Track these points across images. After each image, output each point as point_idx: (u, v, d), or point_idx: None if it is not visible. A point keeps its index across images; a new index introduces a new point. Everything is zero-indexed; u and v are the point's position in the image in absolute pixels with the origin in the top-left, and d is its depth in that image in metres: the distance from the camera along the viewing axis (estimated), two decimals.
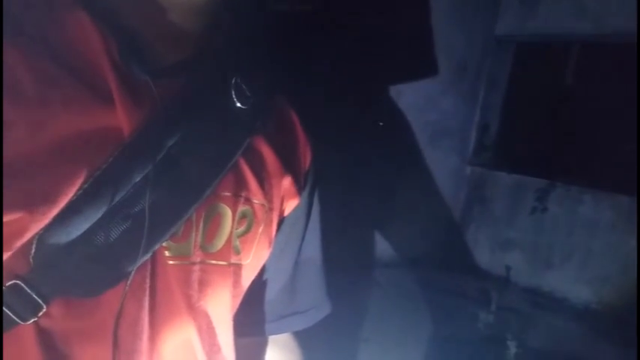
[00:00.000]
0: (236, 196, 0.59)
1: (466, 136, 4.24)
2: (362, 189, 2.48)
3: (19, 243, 0.48)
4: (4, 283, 0.49)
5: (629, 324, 3.19)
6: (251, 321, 0.70)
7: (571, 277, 3.50)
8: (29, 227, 0.47)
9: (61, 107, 0.48)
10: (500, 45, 4.18)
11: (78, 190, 0.49)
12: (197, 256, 0.56)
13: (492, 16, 3.95)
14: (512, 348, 2.61)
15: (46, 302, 0.50)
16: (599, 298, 3.39)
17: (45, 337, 0.50)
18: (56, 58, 0.50)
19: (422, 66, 3.55)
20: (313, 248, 0.72)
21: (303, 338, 0.75)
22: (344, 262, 1.32)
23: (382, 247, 3.14)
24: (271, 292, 0.71)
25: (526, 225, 3.81)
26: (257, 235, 0.61)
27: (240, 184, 0.59)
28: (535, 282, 3.62)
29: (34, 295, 0.49)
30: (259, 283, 0.68)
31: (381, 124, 3.13)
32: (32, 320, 0.50)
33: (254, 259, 0.63)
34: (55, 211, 0.48)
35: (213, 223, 0.57)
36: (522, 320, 2.90)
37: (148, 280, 0.53)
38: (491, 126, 4.17)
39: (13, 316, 0.49)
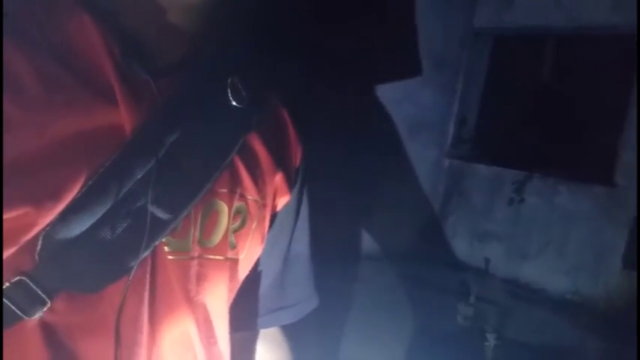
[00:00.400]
0: (232, 192, 0.60)
1: (444, 129, 4.26)
2: (346, 185, 2.47)
3: (25, 239, 0.49)
4: (9, 280, 0.50)
5: (606, 314, 3.25)
6: (242, 315, 0.71)
7: (548, 267, 3.55)
8: (35, 223, 0.48)
9: (64, 107, 0.49)
10: (477, 38, 4.21)
11: (82, 186, 0.50)
12: (195, 251, 0.57)
13: (470, 9, 3.97)
14: (492, 340, 2.64)
15: (51, 298, 0.50)
16: (576, 288, 3.45)
17: (48, 332, 0.51)
18: (59, 59, 0.51)
19: (404, 62, 3.55)
20: (302, 244, 0.73)
21: (291, 331, 0.77)
22: (330, 256, 1.33)
23: (365, 240, 3.14)
24: (262, 287, 0.72)
25: (504, 216, 3.85)
26: (251, 231, 0.63)
27: (236, 181, 0.60)
28: (513, 273, 3.66)
29: (39, 291, 0.50)
30: (251, 278, 0.69)
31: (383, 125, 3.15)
32: (36, 315, 0.50)
33: (248, 253, 0.64)
34: (60, 207, 0.49)
35: (210, 219, 0.58)
36: (501, 312, 2.93)
37: (148, 275, 0.54)
38: (469, 119, 4.20)
39: (18, 312, 0.50)
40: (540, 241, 3.65)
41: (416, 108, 3.77)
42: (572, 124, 3.52)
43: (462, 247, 3.93)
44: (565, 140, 3.55)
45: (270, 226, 0.67)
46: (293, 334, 0.77)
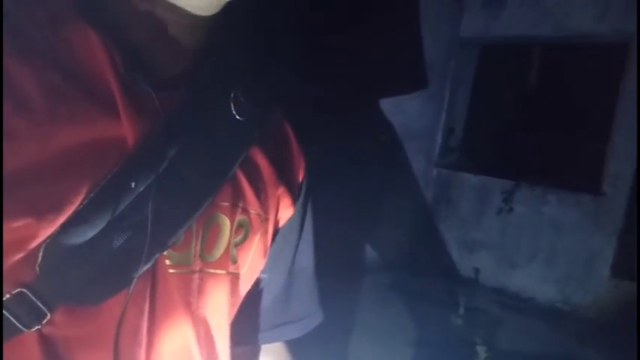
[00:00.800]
0: (234, 206, 0.59)
1: (432, 139, 4.26)
2: (339, 197, 2.46)
3: (26, 250, 0.48)
4: (9, 291, 0.50)
5: (595, 323, 3.25)
6: (245, 330, 0.71)
7: (537, 276, 3.54)
8: (36, 235, 0.48)
9: (67, 119, 0.49)
10: (464, 47, 4.22)
11: (84, 199, 0.50)
12: (196, 265, 0.57)
13: (457, 19, 3.99)
14: (482, 352, 2.62)
15: (50, 310, 0.50)
16: (565, 297, 3.44)
17: (47, 345, 0.51)
18: (62, 71, 0.51)
19: (400, 74, 3.55)
20: (306, 258, 0.73)
21: (296, 346, 0.76)
22: (331, 270, 1.32)
23: (357, 253, 3.11)
24: (265, 302, 0.72)
25: (492, 226, 3.85)
26: (253, 245, 0.63)
27: (238, 195, 0.60)
28: (502, 282, 3.65)
29: (39, 303, 0.50)
30: (254, 293, 0.69)
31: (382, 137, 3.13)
32: (36, 328, 0.50)
33: (250, 268, 0.64)
34: (61, 220, 0.49)
35: (212, 232, 0.58)
36: (491, 322, 2.91)
37: (148, 288, 0.54)
38: (457, 128, 4.20)
39: (18, 324, 0.50)
40: (529, 250, 3.64)
41: (404, 117, 3.76)
42: (560, 133, 3.54)
43: (451, 256, 3.92)
44: (553, 149, 3.57)
45: (273, 239, 0.67)
46: (299, 349, 0.75)
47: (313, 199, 0.73)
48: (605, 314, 3.27)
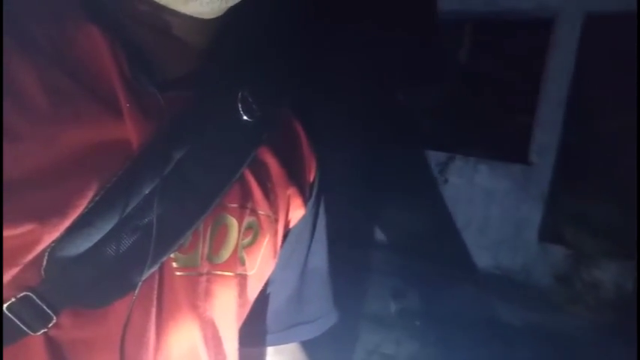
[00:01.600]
0: (242, 207, 0.59)
1: None
2: (358, 196, 2.43)
3: (30, 255, 0.48)
4: (15, 295, 0.49)
5: (524, 285, 3.47)
6: (257, 331, 0.71)
7: (472, 244, 3.72)
8: (41, 239, 0.48)
9: (71, 121, 0.48)
10: None
11: (89, 202, 0.49)
12: (204, 267, 0.57)
13: None
14: (419, 321, 2.73)
15: (56, 313, 0.50)
16: (497, 262, 3.64)
17: (53, 348, 0.51)
18: (66, 71, 0.49)
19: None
20: (320, 258, 0.73)
21: (309, 347, 0.76)
22: (345, 270, 1.31)
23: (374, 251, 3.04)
24: (278, 302, 0.72)
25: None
26: (262, 246, 0.62)
27: (247, 196, 0.60)
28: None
29: (45, 307, 0.50)
30: (266, 294, 0.69)
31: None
32: (42, 331, 0.50)
33: (259, 269, 0.63)
34: (66, 224, 0.48)
35: (219, 234, 0.58)
36: (430, 291, 3.04)
37: (155, 291, 0.54)
38: None
39: (24, 327, 0.49)
40: (464, 219, 3.80)
41: None
42: (491, 107, 3.68)
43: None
44: (484, 122, 3.71)
45: (285, 240, 0.66)
46: (313, 350, 0.76)
47: (325, 198, 0.72)
48: (534, 277, 3.49)
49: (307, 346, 0.75)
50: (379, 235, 3.71)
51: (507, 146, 3.66)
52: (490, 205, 3.72)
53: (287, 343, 0.74)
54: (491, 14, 3.52)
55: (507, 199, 3.64)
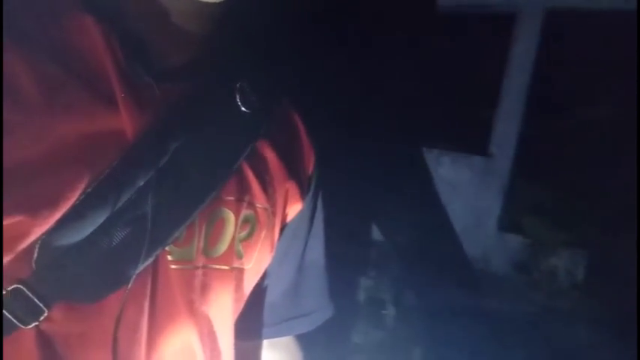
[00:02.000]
0: (239, 200, 0.59)
1: None
2: (357, 190, 2.42)
3: (21, 246, 0.47)
4: (6, 288, 0.49)
5: (483, 273, 3.57)
6: (252, 324, 0.70)
7: None
8: (31, 231, 0.47)
9: (64, 111, 0.47)
10: None
11: (81, 193, 0.48)
12: (199, 261, 0.56)
13: None
14: (391, 309, 2.77)
15: (48, 307, 0.49)
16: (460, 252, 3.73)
17: (45, 341, 0.50)
18: (60, 61, 0.48)
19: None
20: (317, 252, 0.72)
21: (304, 340, 0.76)
22: (342, 265, 1.30)
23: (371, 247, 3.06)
24: (274, 296, 0.71)
25: None
26: (260, 240, 0.62)
27: (244, 189, 0.59)
28: None
29: (36, 300, 0.49)
30: (262, 287, 0.69)
31: None
32: (33, 325, 0.49)
33: (256, 263, 0.63)
34: (57, 215, 0.47)
35: (216, 227, 0.57)
36: (398, 280, 3.08)
37: (149, 285, 0.53)
38: None
39: (15, 321, 0.49)
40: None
41: None
42: (453, 100, 3.75)
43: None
44: (447, 115, 3.77)
45: (282, 234, 0.66)
46: (307, 343, 0.75)
47: (324, 192, 0.72)
48: (493, 264, 3.59)
49: (301, 339, 0.76)
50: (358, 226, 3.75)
51: (469, 138, 3.74)
52: (452, 196, 3.80)
53: (282, 336, 0.74)
54: (456, 8, 3.58)
55: (469, 190, 3.73)
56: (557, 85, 3.14)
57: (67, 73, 0.48)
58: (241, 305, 0.64)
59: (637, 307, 1.86)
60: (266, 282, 0.69)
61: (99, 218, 0.49)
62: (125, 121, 0.50)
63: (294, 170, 0.64)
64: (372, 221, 2.84)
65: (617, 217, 2.89)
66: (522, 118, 3.45)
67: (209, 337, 0.59)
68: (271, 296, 0.70)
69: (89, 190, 0.49)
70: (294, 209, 0.66)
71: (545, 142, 3.30)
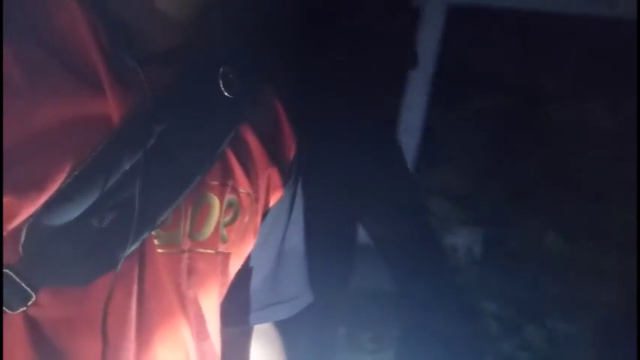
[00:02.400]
0: (223, 185, 0.60)
1: None
2: (338, 178, 2.35)
3: (6, 230, 0.48)
4: None
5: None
6: (234, 310, 0.71)
7: None
8: (17, 213, 0.47)
9: (49, 95, 0.48)
10: None
11: (67, 176, 0.49)
12: (186, 245, 0.58)
13: None
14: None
15: (35, 291, 0.50)
16: None
17: (33, 327, 0.51)
18: (44, 45, 0.49)
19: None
20: (296, 238, 0.75)
21: (284, 327, 0.78)
22: (324, 251, 1.30)
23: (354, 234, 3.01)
24: (254, 282, 0.73)
25: None
26: (243, 225, 0.63)
27: (228, 173, 0.61)
28: None
29: (24, 285, 0.49)
30: (243, 273, 0.70)
31: None
32: (21, 310, 0.50)
33: (240, 248, 0.65)
34: (43, 198, 0.48)
35: (201, 211, 0.58)
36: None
37: (136, 269, 0.54)
38: None
39: (2, 306, 0.49)
40: None
41: None
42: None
43: None
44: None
45: (263, 220, 0.68)
46: (287, 330, 0.77)
47: (304, 179, 0.74)
48: None
49: (283, 326, 0.79)
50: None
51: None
52: None
53: (262, 322, 0.77)
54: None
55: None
56: (460, 76, 3.37)
57: (51, 57, 0.49)
58: (225, 290, 0.66)
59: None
60: (248, 268, 0.71)
61: (86, 201, 0.50)
62: (111, 105, 0.51)
63: (275, 157, 0.66)
64: (353, 212, 2.90)
65: (510, 196, 3.17)
66: (426, 107, 3.67)
67: (196, 320, 0.61)
68: (253, 282, 0.73)
69: (76, 172, 0.49)
70: (276, 195, 0.68)
71: (448, 129, 3.54)
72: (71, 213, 0.49)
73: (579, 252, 2.46)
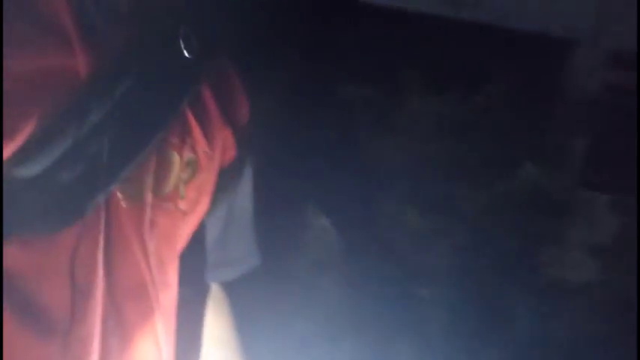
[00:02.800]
0: (183, 142, 0.61)
1: None
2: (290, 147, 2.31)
3: None
4: None
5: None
6: (188, 269, 0.71)
7: None
8: None
9: (16, 48, 0.49)
10: None
11: (35, 127, 0.49)
12: (148, 199, 0.58)
13: None
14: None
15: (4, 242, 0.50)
16: None
17: (2, 277, 0.51)
18: (12, 1, 0.50)
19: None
20: (245, 202, 0.75)
21: (231, 289, 0.77)
22: (274, 214, 1.37)
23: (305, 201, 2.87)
24: (207, 242, 0.73)
25: None
26: (200, 183, 0.64)
27: (187, 132, 0.61)
28: None
29: None
30: (197, 233, 0.70)
31: None
32: None
33: (197, 205, 0.65)
34: (12, 147, 0.49)
35: (163, 167, 0.59)
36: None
37: (102, 221, 0.55)
38: None
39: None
40: None
41: None
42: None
43: None
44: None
45: (217, 180, 0.68)
46: (234, 291, 0.77)
47: (257, 145, 0.73)
48: None
49: (230, 286, 0.76)
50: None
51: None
52: None
53: (209, 282, 0.75)
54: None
55: None
56: None
57: (19, 11, 0.49)
58: (182, 247, 0.66)
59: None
60: (201, 228, 0.70)
61: (54, 153, 0.50)
62: (79, 59, 0.51)
63: (231, 119, 0.66)
64: (308, 182, 2.71)
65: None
66: None
67: (159, 271, 0.61)
68: (205, 243, 0.72)
69: (44, 123, 0.49)
70: (229, 157, 0.68)
71: None
72: (38, 164, 0.49)
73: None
